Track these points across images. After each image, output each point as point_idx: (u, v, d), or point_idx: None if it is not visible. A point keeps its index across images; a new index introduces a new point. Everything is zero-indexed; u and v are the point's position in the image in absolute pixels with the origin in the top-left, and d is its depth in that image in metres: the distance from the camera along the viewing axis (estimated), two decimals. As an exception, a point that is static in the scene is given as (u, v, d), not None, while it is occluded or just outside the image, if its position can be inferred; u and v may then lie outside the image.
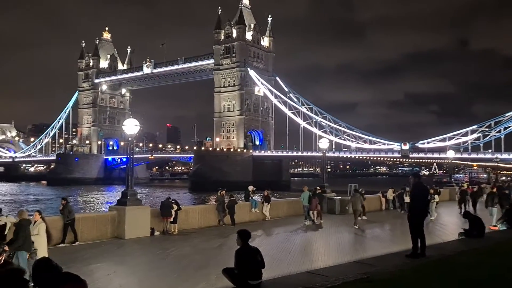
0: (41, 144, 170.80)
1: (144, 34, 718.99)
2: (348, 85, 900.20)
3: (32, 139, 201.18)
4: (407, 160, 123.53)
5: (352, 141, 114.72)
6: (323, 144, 31.80)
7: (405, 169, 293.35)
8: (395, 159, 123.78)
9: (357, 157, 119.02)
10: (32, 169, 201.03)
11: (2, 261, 9.73)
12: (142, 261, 14.49)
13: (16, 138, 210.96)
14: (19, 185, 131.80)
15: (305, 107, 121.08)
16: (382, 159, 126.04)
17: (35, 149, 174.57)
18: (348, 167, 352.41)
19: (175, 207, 19.81)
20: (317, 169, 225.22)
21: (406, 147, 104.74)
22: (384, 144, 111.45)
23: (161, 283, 11.03)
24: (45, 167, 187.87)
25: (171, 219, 19.64)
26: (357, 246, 16.35)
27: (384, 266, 9.03)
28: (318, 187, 27.15)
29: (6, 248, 10.51)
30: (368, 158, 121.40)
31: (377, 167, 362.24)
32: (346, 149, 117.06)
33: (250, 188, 26.18)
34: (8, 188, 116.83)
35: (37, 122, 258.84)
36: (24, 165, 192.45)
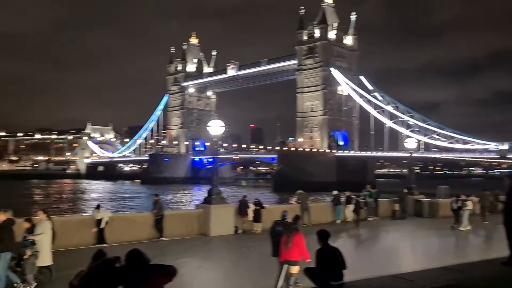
0: (135, 145, 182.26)
1: (228, 41, 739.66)
2: (430, 84, 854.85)
3: (127, 140, 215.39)
4: (506, 161, 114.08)
5: (443, 141, 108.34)
6: (410, 143, 30.59)
7: (504, 171, 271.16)
8: (491, 160, 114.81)
9: (448, 157, 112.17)
10: (127, 168, 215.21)
11: None
12: (226, 257, 14.94)
13: (114, 140, 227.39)
14: (116, 183, 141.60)
15: (391, 106, 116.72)
16: (476, 160, 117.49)
17: (130, 149, 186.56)
18: (438, 168, 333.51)
19: (252, 206, 20.05)
20: (404, 170, 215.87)
21: (504, 146, 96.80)
22: (478, 144, 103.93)
23: (245, 280, 11.31)
24: (139, 166, 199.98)
25: (250, 218, 19.90)
26: (448, 251, 15.49)
27: (476, 273, 8.47)
28: (405, 189, 26.21)
29: None
30: (460, 159, 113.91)
31: (471, 168, 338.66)
32: (435, 149, 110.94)
33: (335, 192, 25.39)
34: (107, 186, 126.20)
35: (132, 124, 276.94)
36: (120, 164, 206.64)
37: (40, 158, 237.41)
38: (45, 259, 10.97)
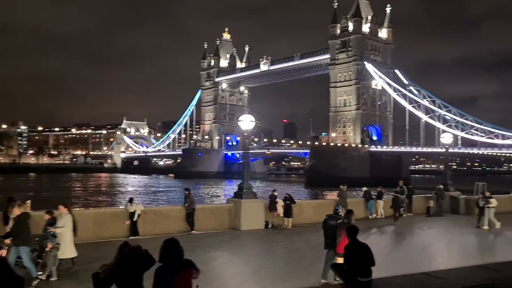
0: (169, 140, 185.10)
1: (260, 37, 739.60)
2: (467, 78, 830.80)
3: (161, 135, 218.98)
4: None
5: (481, 136, 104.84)
6: (446, 139, 29.74)
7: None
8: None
9: (486, 153, 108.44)
10: (161, 163, 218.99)
11: (2, 255, 9.33)
12: (256, 252, 14.97)
13: (148, 134, 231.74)
14: (151, 177, 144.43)
15: (427, 100, 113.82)
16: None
17: (164, 144, 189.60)
18: (476, 164, 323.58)
19: (280, 201, 19.97)
20: (440, 166, 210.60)
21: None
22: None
23: (274, 274, 11.31)
24: (172, 161, 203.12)
25: (279, 213, 19.84)
26: (484, 249, 15.01)
27: (512, 273, 8.17)
28: (441, 185, 25.59)
29: (8, 241, 10.16)
30: (500, 154, 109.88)
31: (511, 164, 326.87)
32: (473, 145, 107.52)
33: (365, 188, 25.03)
34: (141, 180, 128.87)
35: (166, 119, 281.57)
36: (154, 159, 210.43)
37: (79, 152, 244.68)
38: (66, 251, 11.20)
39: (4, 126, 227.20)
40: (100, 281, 5.08)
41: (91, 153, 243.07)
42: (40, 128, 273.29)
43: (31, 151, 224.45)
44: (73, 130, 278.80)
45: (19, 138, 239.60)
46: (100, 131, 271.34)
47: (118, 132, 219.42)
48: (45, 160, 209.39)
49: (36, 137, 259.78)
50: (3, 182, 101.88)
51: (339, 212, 10.88)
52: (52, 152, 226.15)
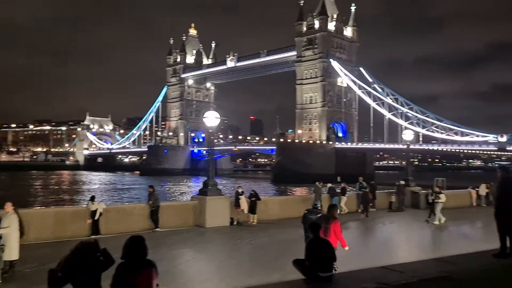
0: (134, 136, 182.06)
1: (226, 34, 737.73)
2: (429, 77, 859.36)
3: (126, 132, 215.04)
4: (505, 153, 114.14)
5: (442, 133, 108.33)
6: (408, 135, 30.60)
7: (503, 163, 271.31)
8: (490, 153, 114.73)
9: (446, 149, 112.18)
10: (126, 160, 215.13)
11: None
12: (220, 249, 14.96)
13: (112, 131, 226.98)
14: (115, 175, 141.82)
15: (390, 98, 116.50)
16: (475, 152, 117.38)
17: (129, 141, 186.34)
18: (437, 160, 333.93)
19: (243, 197, 19.99)
20: (403, 162, 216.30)
21: (503, 139, 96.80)
22: (477, 136, 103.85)
23: (237, 271, 11.32)
24: (138, 158, 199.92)
25: (243, 209, 19.85)
26: (441, 243, 15.53)
27: (467, 265, 8.46)
28: (402, 181, 26.28)
29: None
30: (459, 151, 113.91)
31: (470, 160, 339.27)
32: (434, 142, 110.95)
33: (329, 184, 25.27)
34: (105, 177, 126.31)
35: (131, 116, 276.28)
36: (119, 156, 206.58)
37: (39, 149, 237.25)
38: (12, 253, 10.55)
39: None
40: (55, 279, 4.89)
41: (52, 150, 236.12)
42: (3, 124, 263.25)
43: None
44: (31, 126, 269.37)
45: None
46: (61, 128, 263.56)
47: (79, 129, 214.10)
48: (3, 157, 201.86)
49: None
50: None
51: (318, 207, 11.18)
52: (11, 149, 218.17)
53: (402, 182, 26.18)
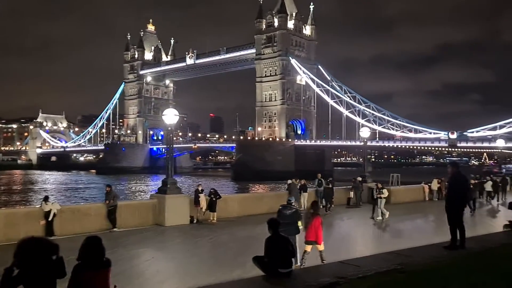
0: (90, 134, 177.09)
1: (186, 31, 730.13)
2: (383, 76, 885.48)
3: (81, 130, 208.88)
4: (455, 150, 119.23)
5: (397, 130, 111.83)
6: (364, 133, 31.36)
7: (454, 159, 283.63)
8: (442, 149, 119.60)
9: (401, 146, 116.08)
10: (82, 158, 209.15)
11: None
12: (180, 248, 14.84)
13: (67, 129, 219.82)
14: (70, 174, 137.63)
15: (348, 96, 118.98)
16: (428, 148, 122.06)
17: (84, 139, 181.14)
18: (392, 157, 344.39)
19: (202, 195, 19.93)
20: (360, 159, 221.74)
21: (453, 136, 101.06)
22: (430, 133, 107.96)
23: (198, 269, 11.27)
24: (94, 156, 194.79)
25: (202, 207, 19.77)
26: (396, 236, 16.03)
27: (420, 257, 8.80)
28: (359, 177, 26.91)
29: None
30: (413, 147, 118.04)
31: (423, 156, 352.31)
32: (390, 139, 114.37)
33: (289, 181, 25.54)
34: (60, 176, 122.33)
35: (86, 113, 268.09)
36: (74, 154, 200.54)
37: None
38: None
39: None
40: (9, 278, 4.64)
41: (2, 148, 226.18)
42: None
43: None
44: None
45: None
46: (11, 125, 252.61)
47: (32, 127, 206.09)
48: None
49: None
50: None
51: (292, 203, 11.50)
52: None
53: (359, 179, 26.81)
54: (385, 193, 20.64)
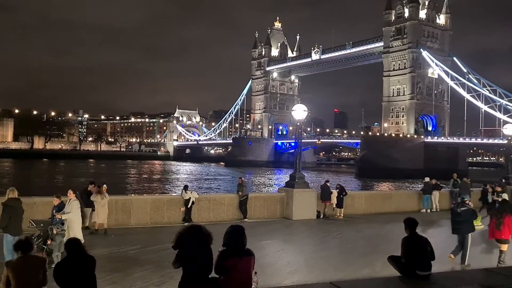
0: (220, 128, 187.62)
1: (311, 27, 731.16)
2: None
3: (212, 124, 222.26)
4: None
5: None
6: (509, 130, 28.34)
7: None
8: None
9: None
10: (212, 151, 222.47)
11: None
12: (308, 241, 15.02)
13: (200, 123, 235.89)
14: (202, 166, 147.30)
15: (487, 90, 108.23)
16: None
17: (215, 133, 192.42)
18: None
19: (334, 192, 19.84)
20: (501, 159, 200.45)
21: None
22: None
23: (326, 265, 11.30)
24: (223, 149, 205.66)
25: (332, 203, 19.73)
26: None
27: None
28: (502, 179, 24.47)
29: None
30: None
31: None
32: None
33: (427, 179, 24.09)
34: (194, 167, 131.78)
35: (217, 108, 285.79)
36: (206, 147, 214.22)
37: (134, 140, 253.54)
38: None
39: (70, 114, 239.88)
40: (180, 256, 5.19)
41: (145, 140, 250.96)
42: (103, 117, 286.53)
43: (90, 139, 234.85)
44: (132, 119, 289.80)
45: (80, 126, 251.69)
46: (154, 120, 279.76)
47: (170, 121, 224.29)
48: (103, 147, 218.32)
49: (95, 125, 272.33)
50: (66, 168, 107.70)
51: (466, 201, 11.32)
52: (110, 140, 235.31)
53: (504, 181, 24.37)
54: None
